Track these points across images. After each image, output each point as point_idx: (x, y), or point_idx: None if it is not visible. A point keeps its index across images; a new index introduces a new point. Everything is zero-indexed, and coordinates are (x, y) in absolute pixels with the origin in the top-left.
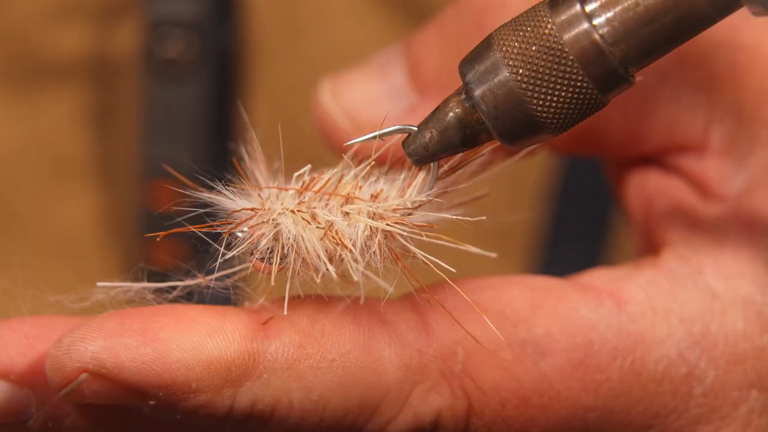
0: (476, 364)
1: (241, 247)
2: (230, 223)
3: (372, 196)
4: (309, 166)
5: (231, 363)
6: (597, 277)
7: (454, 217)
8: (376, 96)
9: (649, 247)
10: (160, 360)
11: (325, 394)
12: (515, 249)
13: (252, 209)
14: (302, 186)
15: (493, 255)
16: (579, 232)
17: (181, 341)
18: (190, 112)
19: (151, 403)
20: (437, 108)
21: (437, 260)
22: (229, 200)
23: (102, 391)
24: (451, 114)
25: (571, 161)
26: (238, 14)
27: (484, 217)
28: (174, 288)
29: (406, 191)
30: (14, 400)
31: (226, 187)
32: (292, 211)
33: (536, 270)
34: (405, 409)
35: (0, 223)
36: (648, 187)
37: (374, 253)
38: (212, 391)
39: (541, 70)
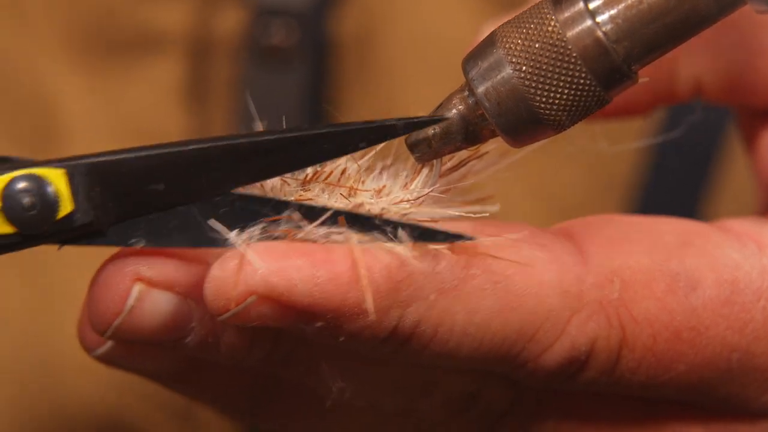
0: (631, 293)
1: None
2: None
3: (375, 190)
4: None
5: (402, 283)
6: (734, 223)
7: (456, 213)
8: None
9: None
10: (334, 281)
11: (487, 317)
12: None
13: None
14: (305, 177)
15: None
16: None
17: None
18: (287, 99)
19: (318, 325)
20: (440, 105)
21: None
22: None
23: (269, 314)
24: (453, 111)
25: (662, 144)
26: (337, 3)
27: (487, 214)
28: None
29: (409, 186)
30: (180, 313)
31: None
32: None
33: None
34: (562, 338)
35: None
36: None
37: None
38: (381, 312)
39: (544, 67)
